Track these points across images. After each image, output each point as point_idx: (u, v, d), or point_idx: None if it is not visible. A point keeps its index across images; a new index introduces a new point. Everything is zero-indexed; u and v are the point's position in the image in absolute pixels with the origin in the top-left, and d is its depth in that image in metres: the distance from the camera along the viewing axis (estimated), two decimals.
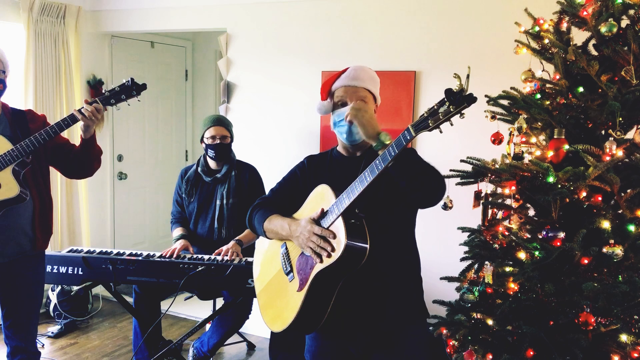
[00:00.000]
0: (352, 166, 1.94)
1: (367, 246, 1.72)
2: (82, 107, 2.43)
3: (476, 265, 2.32)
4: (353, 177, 1.76)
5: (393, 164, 1.66)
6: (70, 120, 2.43)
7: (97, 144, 2.62)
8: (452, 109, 1.49)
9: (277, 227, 1.96)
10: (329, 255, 1.74)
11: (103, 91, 2.54)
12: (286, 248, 1.97)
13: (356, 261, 1.73)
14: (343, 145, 2.01)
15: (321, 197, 1.89)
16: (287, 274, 1.93)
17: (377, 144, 1.72)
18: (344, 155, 2.02)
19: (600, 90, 2.10)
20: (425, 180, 1.74)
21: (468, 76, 1.50)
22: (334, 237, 1.75)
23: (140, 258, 2.89)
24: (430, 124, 1.54)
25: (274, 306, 1.97)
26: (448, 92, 1.49)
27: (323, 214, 1.82)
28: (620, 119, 2.02)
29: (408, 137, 1.59)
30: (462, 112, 1.50)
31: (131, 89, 2.48)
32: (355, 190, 1.71)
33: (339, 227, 1.74)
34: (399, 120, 3.50)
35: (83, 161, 2.62)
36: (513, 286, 2.12)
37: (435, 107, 1.54)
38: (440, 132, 1.56)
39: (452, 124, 1.54)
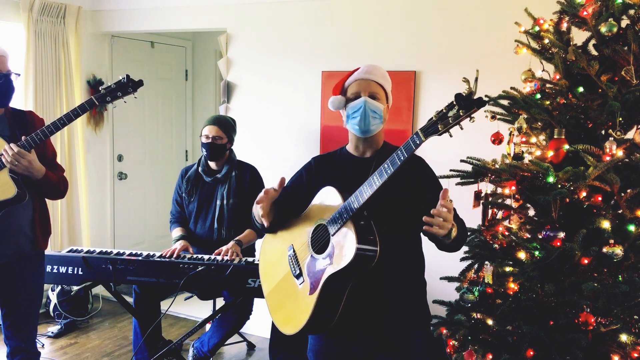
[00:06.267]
0: (363, 167, 1.93)
1: (377, 249, 1.72)
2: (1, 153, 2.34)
3: (476, 265, 2.32)
4: (363, 178, 1.75)
5: (453, 240, 1.72)
6: (67, 119, 2.40)
7: (52, 180, 2.51)
8: (461, 113, 1.49)
9: None
10: (340, 260, 1.74)
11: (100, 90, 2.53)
12: (294, 250, 1.96)
13: (367, 264, 1.73)
14: (354, 143, 2.00)
15: (327, 198, 1.88)
16: (297, 277, 1.92)
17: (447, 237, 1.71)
18: (354, 155, 2.01)
19: (600, 90, 2.10)
20: (458, 247, 1.88)
21: (477, 79, 1.49)
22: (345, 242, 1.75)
23: (140, 258, 2.88)
24: (440, 128, 1.54)
25: (285, 309, 1.96)
26: (458, 96, 1.49)
27: (332, 217, 1.82)
28: (620, 119, 2.02)
29: (418, 142, 1.59)
30: (472, 115, 1.50)
31: (127, 86, 2.46)
32: (364, 194, 1.72)
33: (349, 231, 1.74)
34: (399, 120, 3.50)
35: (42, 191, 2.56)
36: (513, 286, 2.12)
37: (444, 110, 1.53)
38: (450, 136, 1.55)
39: (462, 128, 1.54)
